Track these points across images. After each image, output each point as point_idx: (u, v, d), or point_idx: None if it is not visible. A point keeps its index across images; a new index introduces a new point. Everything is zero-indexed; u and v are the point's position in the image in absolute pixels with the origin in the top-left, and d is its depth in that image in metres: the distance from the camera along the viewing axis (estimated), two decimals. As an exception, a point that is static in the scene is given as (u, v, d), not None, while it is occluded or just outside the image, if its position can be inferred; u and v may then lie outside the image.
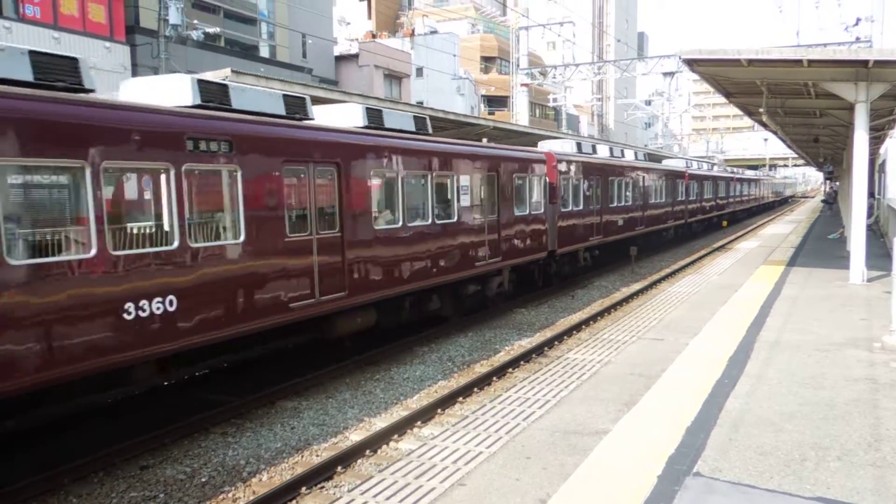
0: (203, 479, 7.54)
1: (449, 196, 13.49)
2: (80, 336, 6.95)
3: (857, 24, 33.81)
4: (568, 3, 66.17)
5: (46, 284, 6.64)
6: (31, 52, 7.27)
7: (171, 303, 7.85)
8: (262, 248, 9.04)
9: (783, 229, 34.12)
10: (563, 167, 18.74)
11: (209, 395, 10.47)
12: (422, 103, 37.52)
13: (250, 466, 7.84)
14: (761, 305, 12.01)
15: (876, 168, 29.81)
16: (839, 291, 13.30)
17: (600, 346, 10.91)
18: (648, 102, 75.55)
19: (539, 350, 12.61)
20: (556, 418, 6.72)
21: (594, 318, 15.50)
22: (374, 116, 11.93)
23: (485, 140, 17.22)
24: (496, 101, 56.49)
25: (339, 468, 7.58)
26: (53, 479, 7.42)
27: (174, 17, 23.58)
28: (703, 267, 22.20)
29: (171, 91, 8.72)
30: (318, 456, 8.10)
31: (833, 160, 37.65)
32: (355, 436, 8.64)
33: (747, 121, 35.65)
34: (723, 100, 19.92)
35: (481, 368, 11.67)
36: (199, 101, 8.76)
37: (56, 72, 7.41)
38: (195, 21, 25.85)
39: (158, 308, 7.70)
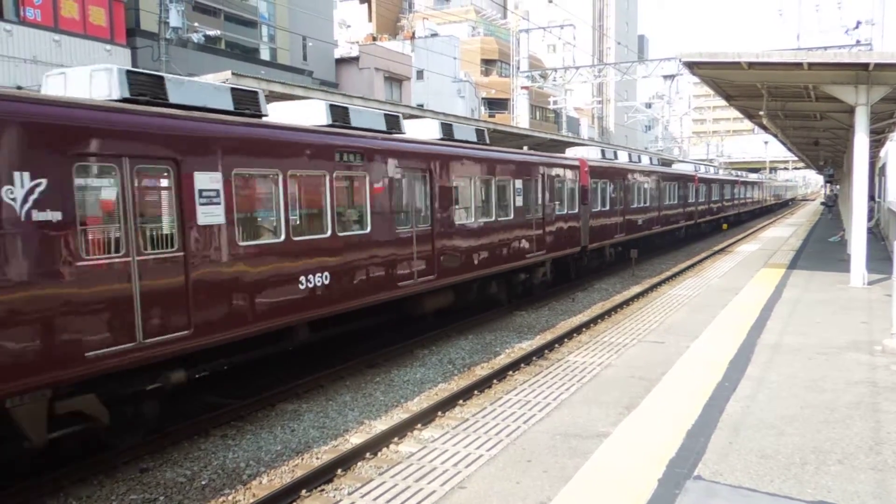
0: (203, 482, 7.53)
1: (507, 197, 15.74)
2: (277, 297, 9.31)
3: (857, 27, 33.90)
4: (568, 5, 66.22)
5: (259, 260, 9.05)
6: (232, 89, 9.41)
7: (327, 277, 10.20)
8: (380, 238, 11.39)
9: (784, 232, 34.12)
10: (593, 172, 20.96)
11: (209, 397, 10.47)
12: (422, 106, 37.56)
13: (250, 469, 7.83)
14: (762, 308, 12.00)
15: (876, 171, 29.81)
16: (840, 295, 13.29)
17: (601, 349, 10.90)
18: (649, 105, 75.65)
19: (539, 353, 12.61)
20: (557, 421, 6.72)
21: (594, 320, 15.49)
22: (447, 129, 14.27)
23: (525, 147, 19.05)
24: (496, 104, 56.52)
25: (339, 471, 7.58)
26: (53, 481, 7.42)
27: (175, 19, 23.63)
28: (703, 270, 22.20)
29: (309, 112, 11.02)
30: (318, 458, 8.09)
31: (833, 163, 37.67)
32: (355, 438, 8.64)
33: (747, 123, 35.70)
34: (723, 102, 19.95)
35: (482, 371, 11.66)
36: (330, 121, 10.93)
37: (245, 102, 9.47)
38: (196, 24, 25.89)
39: (319, 281, 10.06)
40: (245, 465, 7.95)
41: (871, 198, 27.13)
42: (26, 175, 6.47)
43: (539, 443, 6.14)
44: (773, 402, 6.99)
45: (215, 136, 8.53)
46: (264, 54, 33.33)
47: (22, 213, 6.44)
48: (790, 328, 10.40)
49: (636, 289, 20.13)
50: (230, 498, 7.20)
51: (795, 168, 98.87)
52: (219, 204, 8.45)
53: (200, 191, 8.25)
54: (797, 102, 16.93)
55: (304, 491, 7.10)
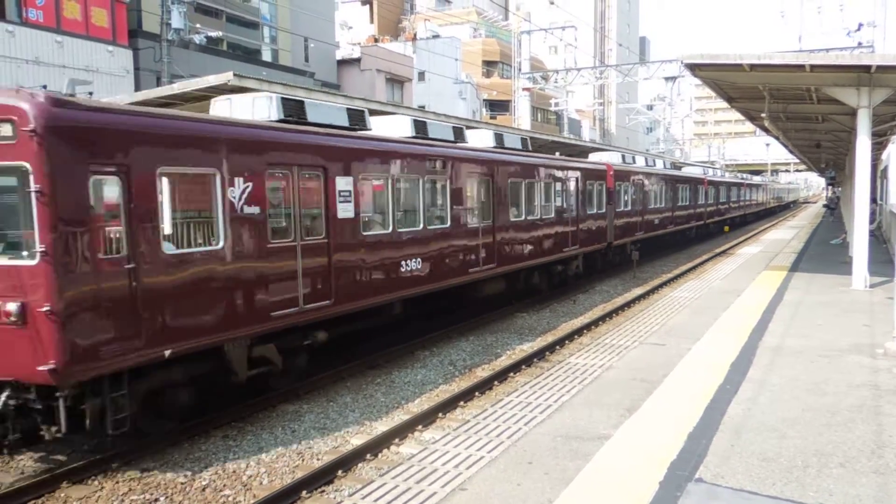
0: (204, 483, 7.53)
1: (549, 197, 17.79)
2: (386, 278, 11.47)
3: (859, 29, 33.86)
4: (570, 7, 66.25)
5: (375, 247, 11.13)
6: (348, 109, 11.42)
7: (419, 263, 12.34)
8: (457, 231, 13.44)
9: (785, 234, 34.10)
10: (617, 176, 22.88)
11: (209, 397, 10.47)
12: (423, 107, 37.57)
13: (251, 470, 7.83)
14: (763, 311, 11.99)
15: (878, 173, 29.77)
16: (841, 297, 13.27)
17: (602, 351, 10.89)
18: (650, 107, 75.65)
19: (541, 354, 12.59)
20: (558, 423, 6.71)
21: (596, 322, 15.47)
22: (499, 139, 16.30)
23: (557, 153, 20.95)
24: (498, 106, 56.50)
25: (339, 472, 7.56)
26: (53, 481, 7.42)
27: (177, 21, 23.66)
28: (704, 272, 22.19)
29: (397, 126, 13.10)
30: (318, 459, 8.08)
31: (835, 165, 37.66)
32: (356, 439, 8.62)
33: (749, 126, 35.72)
34: (725, 104, 19.96)
35: (483, 373, 11.65)
36: (414, 133, 13.04)
37: (356, 119, 11.42)
38: (198, 25, 25.91)
39: (414, 266, 12.17)
40: (246, 465, 7.94)
41: (873, 200, 27.10)
42: (240, 180, 8.66)
43: (540, 445, 6.13)
44: (774, 405, 6.97)
45: (348, 148, 10.79)
46: (266, 55, 33.35)
47: (239, 207, 8.67)
48: (792, 331, 10.39)
49: (637, 291, 20.11)
50: (231, 499, 7.19)
51: (797, 170, 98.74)
52: (350, 202, 10.62)
53: (340, 191, 10.41)
54: (799, 104, 16.93)
55: (304, 492, 7.09)
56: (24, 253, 6.88)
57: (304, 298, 9.62)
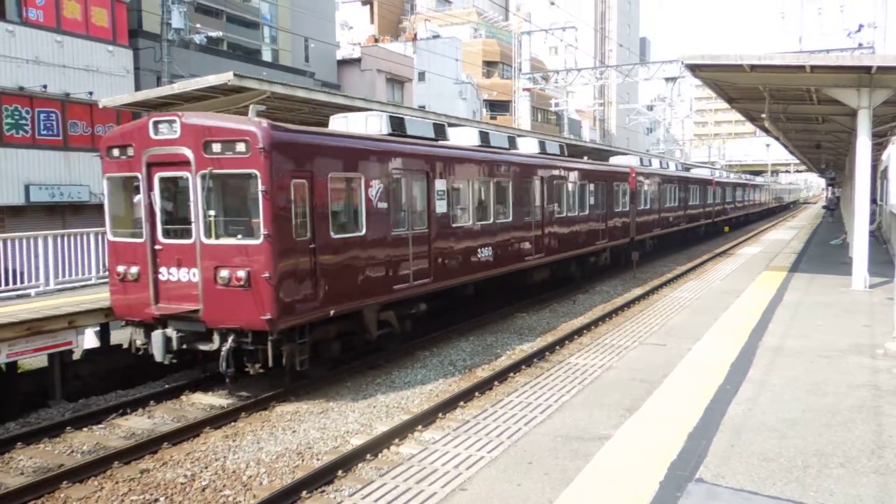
0: (204, 483, 7.52)
1: (585, 197, 20.26)
2: (468, 262, 13.99)
3: (859, 30, 33.81)
4: (570, 8, 66.23)
5: (461, 237, 13.76)
6: (434, 124, 13.84)
7: (491, 250, 14.82)
8: (517, 224, 15.98)
9: (785, 235, 34.09)
10: (638, 177, 25.22)
11: (210, 398, 10.47)
12: (424, 108, 37.56)
13: (251, 470, 7.82)
14: (763, 311, 11.98)
15: (878, 174, 29.75)
16: (842, 298, 13.27)
17: (602, 351, 10.89)
18: (650, 107, 75.62)
19: (540, 355, 12.59)
20: (558, 423, 6.71)
21: (596, 322, 15.47)
22: (542, 145, 18.64)
23: (586, 158, 22.68)
24: (498, 106, 56.45)
25: (339, 472, 7.56)
26: (52, 482, 7.42)
27: (177, 21, 23.64)
28: (704, 272, 22.18)
29: (465, 136, 15.25)
30: (318, 460, 8.07)
31: (835, 166, 37.65)
32: (356, 440, 8.62)
33: (749, 126, 35.73)
34: (725, 105, 19.95)
35: (483, 373, 11.65)
36: (479, 143, 15.25)
37: (439, 131, 13.88)
38: (198, 25, 25.89)
39: (485, 253, 14.61)
40: (246, 466, 7.93)
41: (873, 201, 27.08)
42: (374, 181, 11.14)
43: (540, 445, 6.12)
44: (774, 405, 6.97)
45: (441, 156, 13.27)
46: (266, 55, 33.33)
47: (374, 203, 11.19)
48: (792, 331, 10.38)
49: (637, 291, 20.11)
50: (231, 499, 7.19)
51: (797, 171, 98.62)
52: (444, 200, 13.13)
53: (437, 191, 12.89)
54: (799, 105, 16.92)
55: (304, 492, 7.09)
56: (252, 235, 9.32)
57: (413, 276, 12.14)
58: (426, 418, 9.21)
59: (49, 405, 10.39)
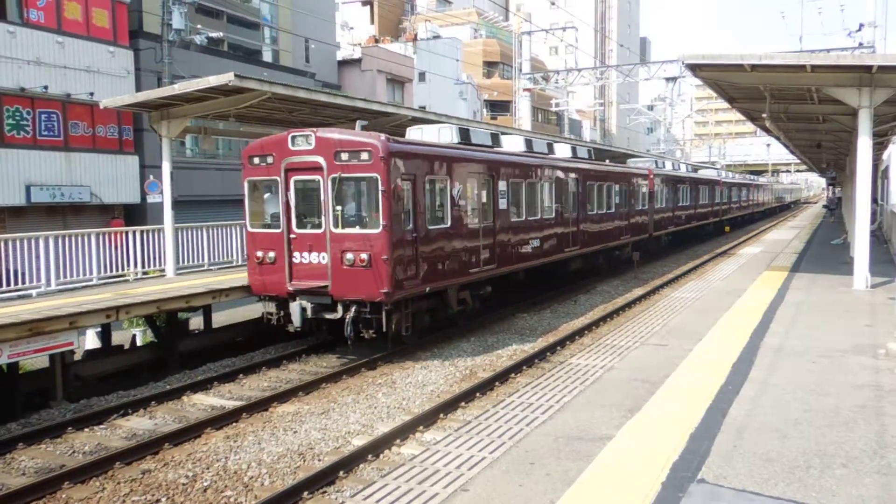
0: (205, 483, 7.52)
1: (612, 196, 22.42)
2: (521, 251, 16.16)
3: (860, 29, 33.75)
4: (570, 8, 66.26)
5: (516, 229, 15.83)
6: (491, 133, 16.09)
7: (539, 242, 16.97)
8: (558, 220, 18.14)
9: (786, 235, 34.06)
10: (656, 179, 27.55)
11: (211, 399, 10.47)
12: (424, 108, 37.55)
13: (252, 471, 7.82)
14: (765, 311, 11.97)
15: (879, 174, 29.74)
16: (843, 297, 13.26)
17: (603, 352, 10.88)
18: (651, 107, 75.58)
19: (542, 355, 12.58)
20: (560, 424, 6.70)
21: (597, 323, 15.46)
22: (574, 150, 20.54)
23: (607, 161, 25.34)
24: (499, 106, 56.46)
25: (341, 473, 7.56)
26: (54, 482, 7.42)
27: (178, 21, 23.62)
28: (705, 272, 22.16)
29: (515, 142, 17.26)
30: (320, 460, 8.07)
31: (836, 166, 37.60)
32: (357, 440, 8.61)
33: (750, 126, 35.70)
34: (725, 105, 19.95)
35: (484, 373, 11.64)
36: (525, 149, 17.37)
37: (494, 140, 15.90)
38: (198, 26, 25.88)
39: (534, 244, 16.74)
40: (247, 466, 7.93)
41: (874, 200, 27.06)
42: (457, 182, 13.41)
43: (542, 445, 6.12)
44: (776, 406, 6.96)
45: (501, 160, 15.36)
46: (266, 56, 33.31)
47: (457, 200, 13.39)
48: (793, 331, 10.37)
49: (638, 291, 20.10)
50: (232, 499, 7.19)
51: (798, 171, 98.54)
52: (505, 198, 15.17)
53: (500, 191, 14.96)
54: (800, 105, 16.91)
55: (306, 493, 7.08)
56: (373, 226, 11.54)
57: (482, 262, 14.24)
58: (427, 419, 9.21)
59: (50, 406, 10.41)
